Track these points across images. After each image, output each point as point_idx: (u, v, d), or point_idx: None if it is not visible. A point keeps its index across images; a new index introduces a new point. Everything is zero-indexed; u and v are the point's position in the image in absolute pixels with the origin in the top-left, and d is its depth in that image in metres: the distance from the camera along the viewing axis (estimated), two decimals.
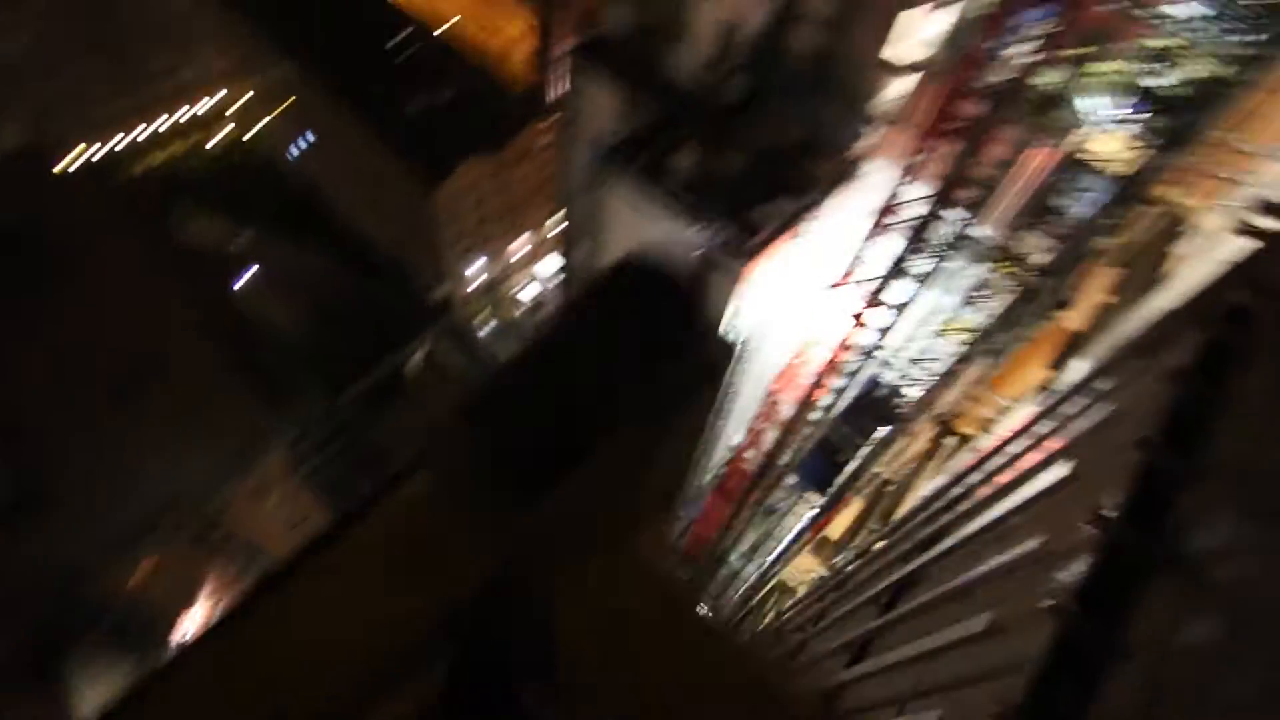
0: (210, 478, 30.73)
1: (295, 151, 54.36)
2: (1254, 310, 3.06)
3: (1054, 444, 3.70)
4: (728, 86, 20.68)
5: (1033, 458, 3.83)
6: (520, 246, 51.66)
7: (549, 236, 50.88)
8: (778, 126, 20.42)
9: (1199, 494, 2.36)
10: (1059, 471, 3.01)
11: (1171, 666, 1.70)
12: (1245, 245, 3.48)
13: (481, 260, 48.93)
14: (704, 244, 19.01)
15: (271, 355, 36.27)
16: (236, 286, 44.62)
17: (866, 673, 3.65)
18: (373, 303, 46.35)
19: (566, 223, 25.40)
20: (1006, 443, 4.67)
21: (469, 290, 49.45)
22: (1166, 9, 14.72)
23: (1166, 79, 14.87)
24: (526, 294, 52.70)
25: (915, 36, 17.64)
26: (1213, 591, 1.80)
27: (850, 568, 7.20)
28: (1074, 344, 9.06)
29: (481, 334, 49.82)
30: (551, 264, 50.13)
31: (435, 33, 50.53)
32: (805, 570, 19.11)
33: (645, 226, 20.83)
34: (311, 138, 51.97)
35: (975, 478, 4.78)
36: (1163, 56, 13.38)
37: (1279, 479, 2.06)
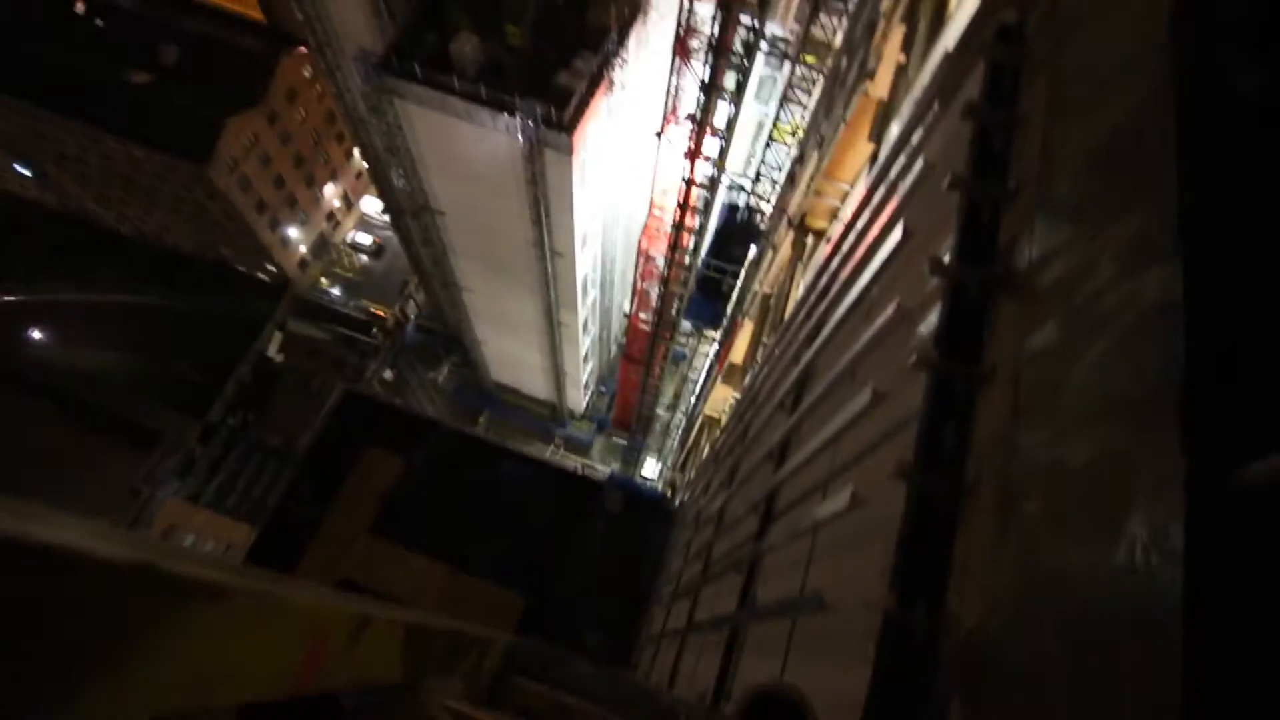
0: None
1: (26, 175, 45.66)
2: (1022, 24, 3.20)
3: (889, 208, 3.90)
4: None
5: (876, 227, 4.04)
6: (333, 193, 47.16)
7: (358, 173, 46.61)
8: None
9: (1014, 212, 2.54)
10: (897, 233, 3.19)
11: (1026, 378, 1.90)
12: None
13: (298, 222, 44.42)
14: (520, 128, 17.98)
15: (114, 399, 32.61)
16: (35, 337, 38.64)
17: (790, 471, 3.97)
18: (196, 309, 41.66)
19: (369, 152, 23.20)
20: (851, 223, 4.90)
21: (298, 257, 45.21)
22: None
23: None
24: (360, 239, 48.85)
25: None
26: (1043, 297, 1.98)
27: (756, 383, 7.64)
28: (885, 111, 9.46)
29: (332, 294, 46.24)
30: (372, 201, 46.30)
31: None
32: (723, 399, 20.31)
33: (452, 129, 19.38)
34: (30, 161, 43.58)
35: (835, 264, 5.04)
36: None
37: (1073, 177, 2.22)
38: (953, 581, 1.94)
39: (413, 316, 43.31)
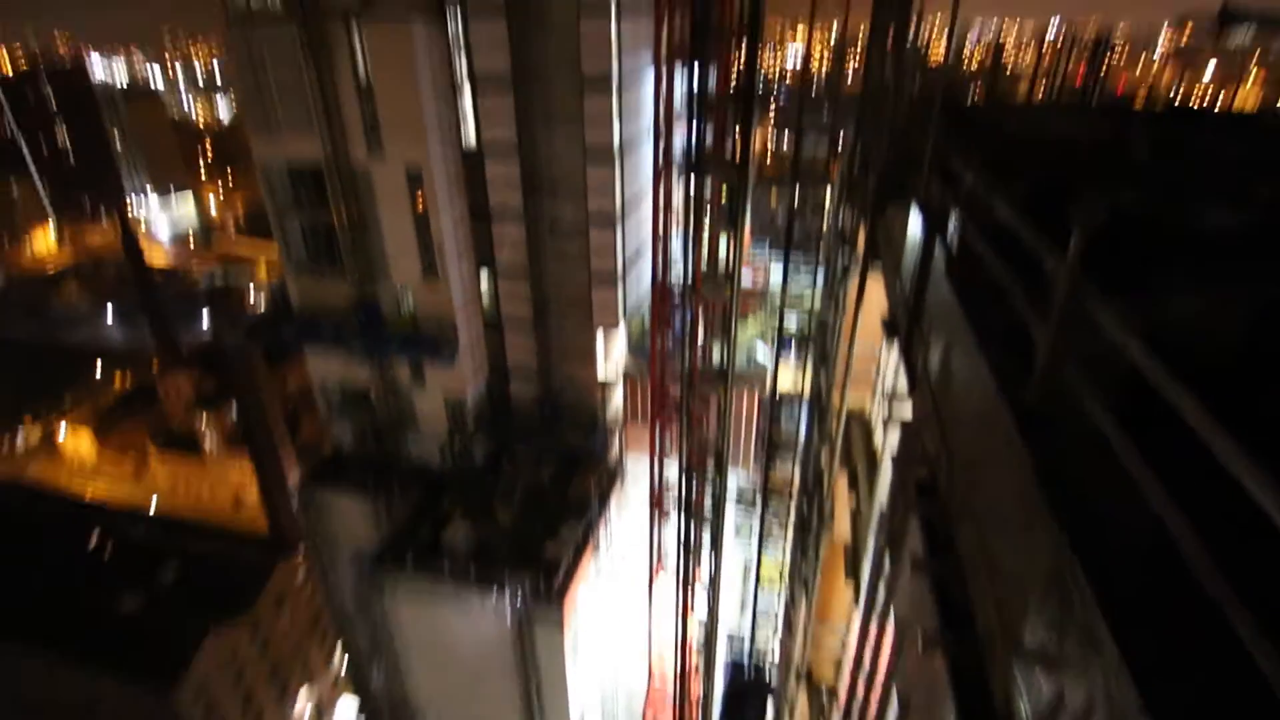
0: None
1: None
2: (934, 478, 3.58)
3: (880, 674, 3.69)
4: (471, 453, 21.61)
5: (874, 701, 3.75)
6: (305, 702, 43.30)
7: (335, 679, 43.79)
8: (531, 469, 21.44)
9: (996, 664, 2.41)
10: (894, 707, 2.93)
11: None
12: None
13: None
14: (509, 606, 17.87)
15: None
16: None
17: None
18: None
19: (353, 652, 22.24)
20: (854, 682, 4.57)
21: None
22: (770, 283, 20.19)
23: (794, 322, 19.63)
24: None
25: (609, 356, 20.80)
26: None
27: None
28: (852, 553, 9.80)
29: None
30: (349, 704, 42.40)
31: (150, 513, 46.12)
32: None
33: (439, 616, 19.13)
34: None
35: None
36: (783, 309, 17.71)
37: (1028, 622, 2.20)
38: None
39: None
